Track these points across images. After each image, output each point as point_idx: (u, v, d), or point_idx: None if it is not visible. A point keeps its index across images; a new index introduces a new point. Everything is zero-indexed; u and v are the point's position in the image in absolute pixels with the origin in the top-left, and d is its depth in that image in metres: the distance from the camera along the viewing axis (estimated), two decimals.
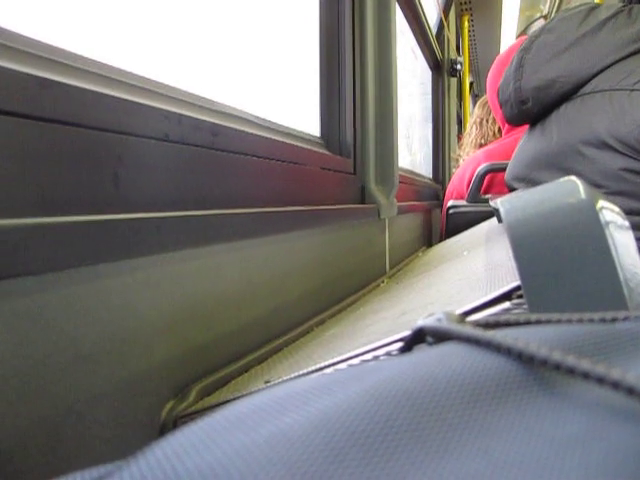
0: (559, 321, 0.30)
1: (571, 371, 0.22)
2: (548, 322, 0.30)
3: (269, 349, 0.81)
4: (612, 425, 0.20)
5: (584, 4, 1.40)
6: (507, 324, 0.31)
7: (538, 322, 0.31)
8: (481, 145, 2.67)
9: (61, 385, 0.48)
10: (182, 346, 0.65)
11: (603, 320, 0.30)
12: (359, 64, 1.47)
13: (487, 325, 0.31)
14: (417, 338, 0.31)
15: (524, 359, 0.23)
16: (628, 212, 1.08)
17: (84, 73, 0.58)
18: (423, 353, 0.27)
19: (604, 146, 1.16)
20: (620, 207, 1.04)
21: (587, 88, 1.26)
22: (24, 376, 0.45)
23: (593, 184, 1.17)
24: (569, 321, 0.30)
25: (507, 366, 0.24)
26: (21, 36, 0.52)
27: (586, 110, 1.24)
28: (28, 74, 0.47)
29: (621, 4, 1.34)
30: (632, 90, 1.13)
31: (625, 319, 0.29)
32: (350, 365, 0.55)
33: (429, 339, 0.30)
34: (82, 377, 0.50)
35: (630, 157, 1.12)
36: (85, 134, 0.53)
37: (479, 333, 0.26)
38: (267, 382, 0.60)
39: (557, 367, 0.22)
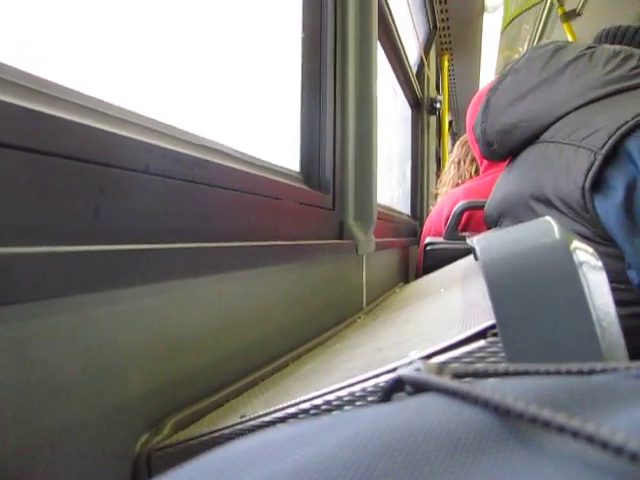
0: (537, 372, 0.31)
1: (547, 424, 0.22)
2: (526, 373, 0.31)
3: (245, 383, 0.81)
4: (586, 479, 0.21)
5: (553, 42, 1.39)
6: (485, 374, 0.31)
7: (516, 373, 0.31)
8: (458, 185, 2.69)
9: (37, 415, 0.48)
10: (159, 378, 0.65)
11: (580, 372, 0.30)
12: (340, 99, 1.48)
13: (466, 374, 0.31)
14: (395, 387, 0.31)
15: (501, 412, 0.24)
16: None
17: (67, 104, 0.58)
18: (401, 403, 0.27)
19: (550, 204, 1.14)
20: None
21: (546, 135, 1.25)
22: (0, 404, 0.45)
23: None
24: (547, 373, 0.30)
25: (484, 419, 0.24)
26: (4, 65, 0.52)
27: (540, 161, 1.22)
28: (10, 104, 0.48)
29: (585, 46, 1.33)
30: (579, 147, 1.10)
31: (602, 371, 0.30)
32: (324, 404, 0.55)
33: (408, 388, 0.30)
34: (58, 408, 0.50)
35: (571, 219, 1.10)
36: (67, 165, 0.53)
37: (457, 385, 0.26)
38: (242, 417, 0.60)
39: (533, 420, 0.22)
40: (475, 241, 0.53)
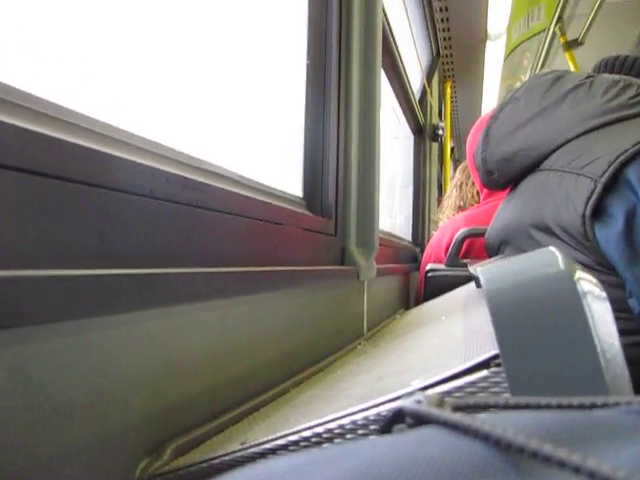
0: (538, 406, 0.30)
1: (547, 459, 0.22)
2: (527, 407, 0.31)
3: (245, 409, 0.81)
4: None
5: (553, 71, 1.40)
6: (486, 407, 0.31)
7: (517, 406, 0.31)
8: (460, 207, 2.70)
9: (36, 440, 0.48)
10: (159, 403, 0.64)
11: (581, 406, 0.30)
12: (344, 126, 1.49)
13: (467, 407, 0.31)
14: (396, 418, 0.31)
15: (502, 446, 0.23)
16: None
17: (73, 127, 0.58)
18: (402, 436, 0.27)
19: (550, 233, 1.14)
20: None
21: (546, 163, 1.25)
22: (1, 429, 0.44)
23: None
24: (548, 406, 0.30)
25: (485, 452, 0.24)
26: (9, 87, 0.53)
27: (540, 190, 1.22)
28: (16, 126, 0.48)
29: (585, 75, 1.34)
30: (579, 175, 1.10)
31: (603, 406, 0.30)
32: (325, 433, 0.55)
33: (408, 420, 0.30)
34: (58, 432, 0.50)
35: (571, 247, 1.09)
36: (72, 188, 0.53)
37: (458, 418, 0.26)
38: (243, 443, 0.60)
39: (534, 455, 0.22)
40: (479, 271, 0.53)
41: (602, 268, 1.06)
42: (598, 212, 1.04)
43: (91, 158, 0.56)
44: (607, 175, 1.02)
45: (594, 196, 1.03)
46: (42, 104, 0.56)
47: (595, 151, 1.11)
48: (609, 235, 1.02)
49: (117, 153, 0.61)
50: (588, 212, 1.03)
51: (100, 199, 0.57)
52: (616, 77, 1.31)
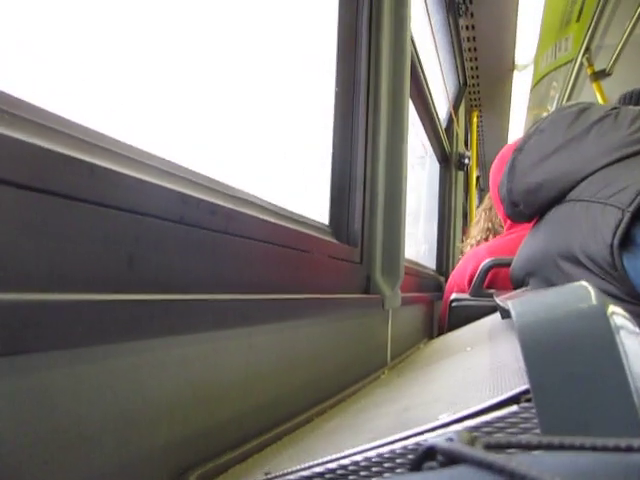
0: (572, 447, 0.30)
1: None
2: (561, 447, 0.30)
3: (269, 437, 0.80)
4: None
5: (578, 103, 1.40)
6: (519, 446, 0.31)
7: (550, 446, 0.30)
8: (489, 229, 2.71)
9: (61, 465, 0.48)
10: (183, 431, 0.64)
11: (617, 448, 0.29)
12: (371, 154, 1.49)
13: (499, 446, 0.30)
14: (427, 456, 0.31)
15: None
16: None
17: (105, 152, 0.59)
18: (434, 475, 0.26)
19: (578, 263, 1.12)
20: None
21: (572, 194, 1.24)
22: (23, 454, 0.44)
23: None
24: (582, 447, 0.30)
25: None
26: (42, 110, 0.53)
27: (567, 220, 1.21)
28: (49, 150, 0.48)
29: (610, 107, 1.35)
30: (606, 204, 1.09)
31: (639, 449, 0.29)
32: (351, 465, 0.54)
33: (439, 457, 0.30)
34: (83, 458, 0.50)
35: (599, 277, 1.08)
36: (103, 212, 0.53)
37: (492, 458, 0.25)
38: (267, 474, 0.59)
39: None
40: (510, 304, 0.53)
41: (630, 299, 1.05)
42: (626, 242, 1.03)
43: (123, 183, 0.56)
44: (635, 204, 1.02)
45: (622, 225, 1.02)
46: (76, 129, 0.57)
47: (622, 181, 1.11)
48: (638, 265, 1.01)
49: (149, 178, 0.61)
50: (616, 242, 1.02)
51: (131, 224, 0.57)
52: None
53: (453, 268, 3.40)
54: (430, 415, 0.57)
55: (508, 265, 1.68)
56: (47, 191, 0.47)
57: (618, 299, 1.05)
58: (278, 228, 0.92)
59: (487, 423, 0.51)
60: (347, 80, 1.44)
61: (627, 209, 1.02)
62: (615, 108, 1.33)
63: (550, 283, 1.23)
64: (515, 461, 0.25)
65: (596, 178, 1.20)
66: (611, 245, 1.03)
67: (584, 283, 0.53)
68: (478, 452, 0.27)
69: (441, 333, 2.43)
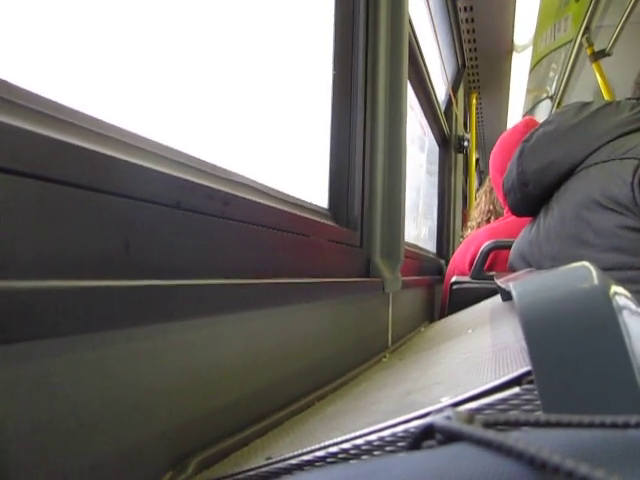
0: (569, 424, 0.29)
1: None
2: (558, 424, 0.30)
3: (270, 422, 0.80)
4: None
5: (577, 102, 1.51)
6: (517, 424, 0.30)
7: (549, 424, 0.30)
8: (490, 211, 2.71)
9: (60, 453, 0.47)
10: (182, 416, 0.64)
11: (614, 425, 0.29)
12: (370, 136, 1.48)
13: (498, 424, 0.30)
14: (426, 435, 0.31)
15: (536, 465, 0.23)
16: (621, 267, 1.17)
17: (101, 137, 0.58)
18: (433, 453, 0.26)
19: (599, 207, 1.22)
20: (614, 263, 1.14)
21: (583, 165, 1.34)
22: (24, 442, 0.44)
23: (585, 243, 1.24)
24: (580, 424, 0.29)
25: (518, 471, 0.23)
26: (38, 97, 0.53)
27: (581, 183, 1.31)
28: (42, 135, 0.48)
29: (610, 101, 1.49)
30: (622, 159, 1.23)
31: (638, 425, 0.29)
32: (352, 449, 0.54)
33: (438, 436, 0.29)
34: (82, 445, 0.49)
35: (622, 214, 1.18)
36: (99, 198, 0.53)
37: (490, 435, 0.25)
38: (269, 458, 0.59)
39: (569, 475, 0.21)
40: (511, 285, 0.52)
41: None
42: None
43: (119, 168, 0.56)
44: None
45: None
46: (69, 113, 0.56)
47: (632, 142, 1.26)
48: None
49: (144, 163, 0.60)
50: (637, 180, 1.17)
51: (127, 209, 0.56)
52: (639, 101, 1.44)
53: (453, 251, 3.40)
54: (432, 398, 0.57)
55: (508, 247, 1.69)
56: (41, 177, 0.47)
57: (638, 230, 1.17)
58: (276, 212, 0.92)
59: (489, 405, 0.51)
60: (345, 63, 1.43)
61: None
62: (614, 101, 1.47)
63: (571, 236, 1.31)
64: (513, 438, 0.24)
65: (605, 148, 1.32)
66: (632, 183, 1.17)
67: (585, 263, 0.52)
68: (477, 430, 0.26)
69: (442, 316, 2.43)
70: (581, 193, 1.29)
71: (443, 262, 3.30)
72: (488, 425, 0.30)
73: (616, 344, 0.44)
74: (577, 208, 1.28)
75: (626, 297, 0.50)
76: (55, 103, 0.55)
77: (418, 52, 2.35)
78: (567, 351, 0.45)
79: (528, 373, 0.50)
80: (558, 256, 1.31)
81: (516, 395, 0.50)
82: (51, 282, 0.45)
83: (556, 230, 1.36)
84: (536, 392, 0.47)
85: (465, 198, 5.24)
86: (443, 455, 0.25)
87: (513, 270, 1.54)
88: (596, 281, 0.48)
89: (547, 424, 0.30)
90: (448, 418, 0.30)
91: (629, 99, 1.51)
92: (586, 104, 1.46)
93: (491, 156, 2.43)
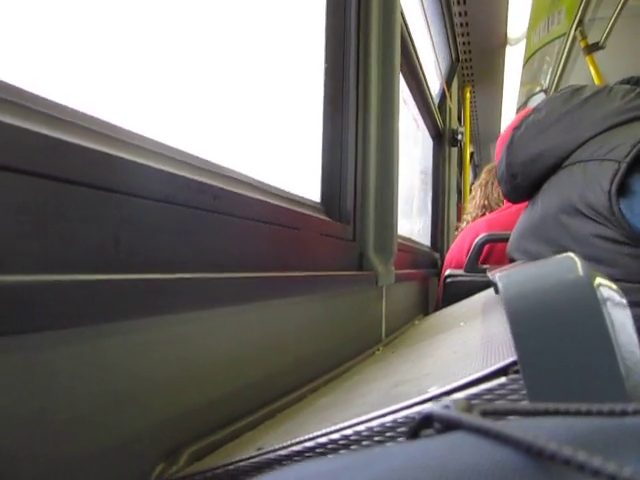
0: (567, 412, 0.30)
1: (581, 467, 0.21)
2: (555, 413, 0.30)
3: (262, 415, 0.80)
4: None
5: (571, 85, 1.49)
6: (514, 412, 0.31)
7: (546, 412, 0.30)
8: (484, 206, 2.71)
9: (54, 444, 0.48)
10: (175, 408, 0.64)
11: (612, 413, 0.29)
12: (362, 130, 1.48)
13: (495, 413, 0.30)
14: (425, 424, 0.31)
15: (533, 453, 0.23)
16: None
17: (88, 132, 0.58)
18: (432, 442, 0.27)
19: (577, 212, 1.20)
20: None
21: (569, 160, 1.32)
22: (18, 433, 0.45)
23: (564, 250, 1.19)
24: (577, 412, 0.30)
25: (516, 459, 0.23)
26: (29, 93, 0.53)
27: (565, 181, 1.29)
28: (32, 131, 0.48)
29: (603, 85, 1.44)
30: (603, 160, 1.18)
31: (635, 413, 0.29)
32: (341, 439, 0.54)
33: (436, 425, 0.30)
34: (75, 437, 0.50)
35: (598, 223, 1.15)
36: (89, 193, 0.53)
37: (488, 424, 0.25)
38: (259, 449, 0.59)
39: (567, 462, 0.22)
40: (497, 277, 0.53)
41: (628, 241, 1.13)
42: (622, 190, 1.12)
43: (108, 163, 0.56)
44: (631, 156, 1.13)
45: (619, 174, 1.12)
46: (60, 110, 0.56)
47: (617, 141, 1.21)
48: (634, 208, 1.11)
49: (133, 158, 0.61)
50: (614, 189, 1.12)
51: (116, 204, 0.56)
52: (633, 87, 1.40)
53: (448, 244, 3.40)
54: (420, 389, 0.58)
55: (502, 240, 1.69)
56: (31, 172, 0.47)
57: (616, 242, 1.14)
58: (268, 206, 0.92)
59: (476, 395, 0.51)
60: (336, 56, 1.43)
61: (623, 160, 1.13)
62: (607, 86, 1.43)
63: (548, 239, 1.30)
64: (511, 426, 0.25)
65: (591, 143, 1.28)
66: (609, 192, 1.13)
67: (571, 255, 0.53)
68: (475, 418, 0.27)
69: (437, 309, 2.44)
70: (562, 195, 1.27)
71: (438, 255, 3.30)
72: (486, 414, 0.30)
73: (600, 334, 0.45)
74: (557, 212, 1.27)
75: (610, 288, 0.50)
76: (45, 99, 0.55)
77: (411, 45, 2.35)
78: (552, 341, 0.46)
79: (514, 363, 0.50)
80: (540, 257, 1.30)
81: (502, 385, 0.50)
82: (45, 276, 0.46)
83: (533, 230, 1.37)
84: (522, 382, 0.47)
85: (460, 192, 5.24)
86: (442, 444, 0.26)
87: (512, 260, 1.54)
88: (581, 272, 0.49)
89: (544, 412, 0.30)
90: (447, 407, 0.30)
91: (623, 83, 1.50)
92: (578, 89, 1.43)
93: (497, 145, 2.44)
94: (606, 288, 0.49)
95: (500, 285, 0.51)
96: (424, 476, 0.22)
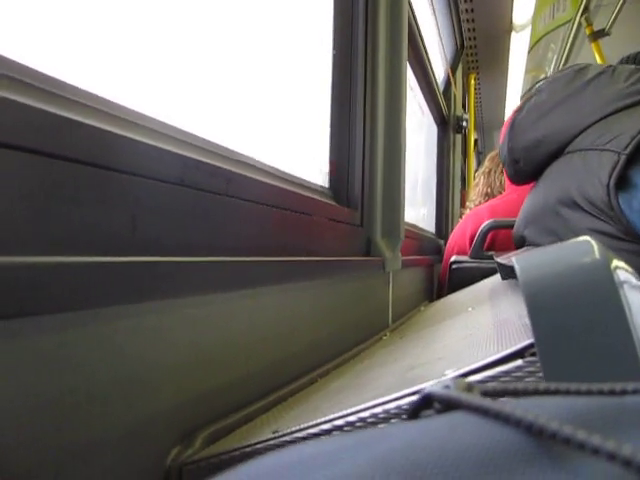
0: (567, 391, 0.30)
1: (581, 446, 0.21)
2: (556, 392, 0.30)
3: (275, 398, 0.81)
4: None
5: (575, 64, 1.45)
6: (515, 392, 0.31)
7: (546, 392, 0.30)
8: (487, 194, 2.71)
9: (70, 427, 0.48)
10: (189, 391, 0.65)
11: (612, 392, 0.29)
12: (369, 117, 1.48)
13: (495, 393, 0.31)
14: (424, 404, 0.31)
15: (533, 432, 0.23)
16: None
17: (107, 115, 0.59)
18: (432, 422, 0.27)
19: (575, 206, 1.18)
20: None
21: (571, 147, 1.29)
22: (34, 416, 0.45)
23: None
24: (577, 392, 0.30)
25: (516, 438, 0.23)
26: (43, 74, 0.53)
27: (565, 170, 1.27)
28: (52, 113, 0.48)
29: (606, 65, 1.40)
30: (602, 150, 1.16)
31: (635, 392, 0.29)
32: (358, 422, 0.54)
33: (436, 405, 0.30)
34: (91, 419, 0.50)
35: (596, 217, 1.14)
36: (105, 175, 0.53)
37: (488, 403, 0.25)
38: (275, 432, 0.60)
39: (567, 441, 0.22)
40: (514, 260, 0.53)
41: (626, 237, 1.11)
42: (622, 183, 1.10)
43: (124, 146, 0.56)
44: (630, 148, 1.09)
45: (618, 167, 1.09)
46: (77, 92, 0.56)
47: (617, 129, 1.18)
48: (633, 203, 1.08)
49: (149, 141, 0.61)
50: (612, 182, 1.10)
51: (132, 186, 0.57)
52: (638, 67, 1.37)
53: (452, 231, 3.40)
54: (435, 372, 0.58)
55: (507, 227, 1.69)
56: (47, 154, 0.47)
57: (614, 237, 1.12)
58: (278, 190, 0.92)
59: (492, 377, 0.51)
60: (344, 43, 1.43)
61: (623, 152, 1.10)
62: (611, 66, 1.39)
63: (549, 230, 1.29)
64: (511, 406, 0.25)
65: (593, 130, 1.25)
66: (607, 185, 1.11)
67: (587, 238, 0.53)
68: (475, 398, 0.27)
69: (441, 296, 2.43)
70: (561, 185, 1.25)
71: (442, 242, 3.30)
72: (486, 394, 0.30)
73: (617, 317, 0.45)
74: (556, 203, 1.25)
75: (627, 271, 0.50)
76: (61, 81, 0.55)
77: (417, 32, 2.34)
78: (569, 324, 0.46)
79: (531, 346, 0.51)
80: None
81: (519, 367, 0.51)
82: (59, 258, 0.46)
83: (534, 217, 1.36)
84: (538, 364, 0.47)
85: (464, 178, 5.23)
86: (441, 423, 0.26)
87: (519, 244, 1.53)
88: (598, 255, 0.49)
89: (545, 392, 0.31)
90: (446, 387, 0.30)
91: (628, 61, 1.49)
92: (582, 69, 1.40)
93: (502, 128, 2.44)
94: (623, 271, 0.49)
95: (517, 268, 0.51)
96: (424, 456, 0.22)
